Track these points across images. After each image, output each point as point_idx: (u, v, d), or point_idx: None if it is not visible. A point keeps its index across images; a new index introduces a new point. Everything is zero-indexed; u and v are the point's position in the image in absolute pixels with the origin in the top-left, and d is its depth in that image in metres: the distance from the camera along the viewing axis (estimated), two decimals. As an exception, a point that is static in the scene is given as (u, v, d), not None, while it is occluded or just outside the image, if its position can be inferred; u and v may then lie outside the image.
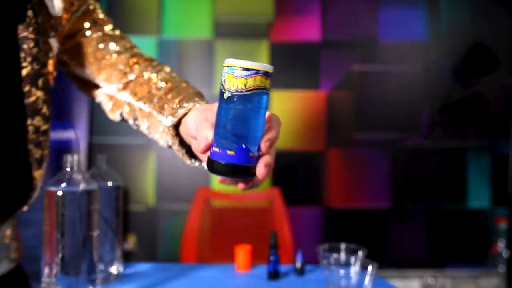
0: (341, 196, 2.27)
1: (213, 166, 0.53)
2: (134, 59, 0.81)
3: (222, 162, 0.52)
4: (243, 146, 0.51)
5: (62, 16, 0.76)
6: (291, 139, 2.27)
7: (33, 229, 0.89)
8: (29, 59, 0.69)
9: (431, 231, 2.26)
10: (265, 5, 2.28)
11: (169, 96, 0.71)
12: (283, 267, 1.08)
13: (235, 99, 0.51)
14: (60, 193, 0.73)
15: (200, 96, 0.70)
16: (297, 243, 1.89)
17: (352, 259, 0.91)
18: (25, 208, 0.73)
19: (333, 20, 2.29)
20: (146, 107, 0.75)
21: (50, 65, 0.75)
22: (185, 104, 0.67)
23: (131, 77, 0.79)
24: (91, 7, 0.82)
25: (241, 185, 0.55)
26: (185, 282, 0.98)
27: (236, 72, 0.50)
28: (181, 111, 0.67)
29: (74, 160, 0.76)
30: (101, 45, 0.81)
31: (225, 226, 2.01)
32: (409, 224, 2.27)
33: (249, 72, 0.50)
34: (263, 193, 2.06)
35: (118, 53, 0.81)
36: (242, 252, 1.07)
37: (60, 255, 0.72)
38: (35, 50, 0.69)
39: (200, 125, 0.57)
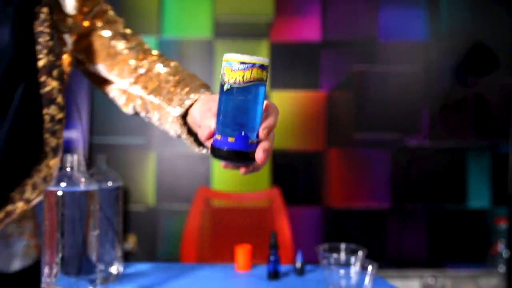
0: (341, 196, 2.27)
1: (215, 152, 0.57)
2: (144, 55, 0.87)
3: (224, 149, 0.56)
4: (242, 133, 0.56)
5: (75, 14, 0.82)
6: (291, 139, 2.27)
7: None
8: (45, 51, 0.74)
9: (431, 231, 2.26)
10: (265, 5, 2.28)
11: (177, 88, 0.76)
12: (283, 267, 1.08)
13: (234, 91, 0.55)
14: (60, 193, 0.73)
15: (206, 87, 0.75)
16: (297, 243, 1.89)
17: (352, 259, 0.91)
18: (40, 199, 0.74)
19: (333, 20, 2.29)
20: (156, 100, 0.79)
21: (65, 59, 0.80)
22: (192, 95, 0.72)
23: (142, 71, 0.84)
24: (104, 8, 0.89)
25: (242, 170, 0.60)
26: (185, 282, 0.98)
27: (234, 66, 0.55)
28: (187, 102, 0.72)
29: (74, 160, 0.76)
30: (113, 43, 0.87)
31: (225, 226, 2.01)
32: (409, 224, 2.27)
33: (246, 66, 0.55)
34: (263, 193, 2.06)
35: (130, 49, 0.87)
36: (242, 252, 1.07)
37: (60, 255, 0.72)
38: (50, 43, 0.75)
39: (204, 115, 0.63)
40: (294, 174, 2.28)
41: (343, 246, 0.96)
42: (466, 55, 2.27)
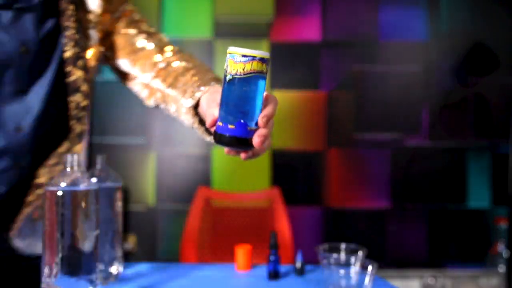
0: (341, 196, 2.27)
1: (217, 138, 0.62)
2: (164, 50, 0.94)
3: (226, 135, 0.60)
4: (242, 121, 0.60)
5: (102, 13, 0.92)
6: (291, 139, 2.27)
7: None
8: (71, 43, 0.82)
9: (431, 231, 2.26)
10: (265, 5, 2.28)
11: (191, 81, 0.81)
12: (283, 267, 1.08)
13: (236, 81, 0.59)
14: (60, 193, 0.73)
15: (216, 80, 0.80)
16: (297, 243, 1.89)
17: (352, 259, 0.91)
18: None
19: (333, 20, 2.29)
20: (173, 92, 0.85)
21: (91, 52, 0.89)
22: (202, 88, 0.77)
23: (162, 65, 0.91)
24: (130, 8, 1.00)
25: (242, 155, 0.64)
26: (185, 282, 0.98)
27: (236, 58, 0.59)
28: (198, 94, 0.77)
29: (74, 160, 0.76)
30: (137, 39, 0.96)
31: (225, 226, 2.01)
32: (409, 224, 2.27)
33: (247, 58, 0.59)
34: (263, 193, 2.06)
35: (151, 46, 0.95)
36: (242, 252, 1.07)
37: (60, 255, 0.72)
38: (76, 36, 0.83)
39: (209, 104, 0.70)
40: (294, 174, 2.28)
41: (343, 246, 0.96)
42: (466, 55, 2.27)
